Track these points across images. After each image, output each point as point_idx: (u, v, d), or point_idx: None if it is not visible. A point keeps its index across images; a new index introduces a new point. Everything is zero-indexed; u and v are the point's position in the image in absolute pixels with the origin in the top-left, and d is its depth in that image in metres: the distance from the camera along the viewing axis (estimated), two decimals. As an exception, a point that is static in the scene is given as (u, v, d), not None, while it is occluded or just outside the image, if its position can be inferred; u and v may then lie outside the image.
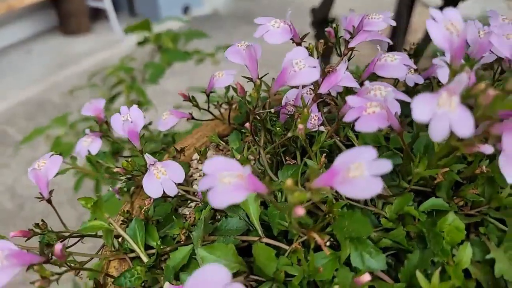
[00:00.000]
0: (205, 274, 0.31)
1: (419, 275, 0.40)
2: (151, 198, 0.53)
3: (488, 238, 0.46)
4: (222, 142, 0.67)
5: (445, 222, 0.44)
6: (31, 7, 3.40)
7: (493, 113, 0.33)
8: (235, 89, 0.50)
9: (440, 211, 0.47)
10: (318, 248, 0.45)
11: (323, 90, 0.49)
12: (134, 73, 1.69)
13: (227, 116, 0.73)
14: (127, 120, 0.52)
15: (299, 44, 0.51)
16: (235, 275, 0.47)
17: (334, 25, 0.57)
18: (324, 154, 0.49)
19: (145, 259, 0.52)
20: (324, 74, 0.50)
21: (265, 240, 0.49)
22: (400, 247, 0.46)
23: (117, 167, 0.52)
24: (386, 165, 0.34)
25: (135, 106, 0.53)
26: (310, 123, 0.51)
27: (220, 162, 0.37)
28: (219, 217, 0.57)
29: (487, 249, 0.45)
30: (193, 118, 0.69)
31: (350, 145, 0.54)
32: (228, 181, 0.35)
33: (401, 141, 0.43)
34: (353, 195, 0.33)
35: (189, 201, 0.62)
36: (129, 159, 0.52)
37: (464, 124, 0.31)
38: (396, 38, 1.45)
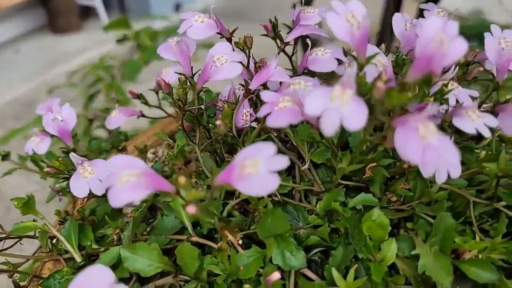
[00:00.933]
0: (89, 276, 0.31)
1: (334, 272, 0.39)
2: (85, 197, 0.52)
3: (416, 233, 0.45)
4: (170, 140, 0.66)
5: (370, 218, 0.43)
6: (19, 6, 3.39)
7: (392, 107, 0.32)
8: (160, 85, 0.49)
9: (371, 207, 0.46)
10: (259, 245, 0.45)
11: (254, 85, 0.48)
12: (114, 72, 1.68)
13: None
14: (56, 119, 0.51)
15: (229, 39, 0.50)
16: (161, 274, 0.46)
17: (273, 19, 0.56)
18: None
19: (79, 259, 0.51)
20: (256, 70, 0.50)
21: (195, 239, 0.48)
22: (327, 244, 0.45)
23: (48, 166, 0.51)
24: (283, 162, 0.33)
25: (67, 104, 0.52)
26: (242, 119, 0.50)
27: (122, 160, 0.36)
28: (159, 215, 0.56)
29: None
30: (143, 115, 0.69)
31: (288, 141, 0.53)
32: (126, 180, 0.34)
33: (319, 135, 0.42)
34: (250, 192, 0.32)
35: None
36: (60, 159, 0.51)
37: (354, 118, 0.30)
38: (384, 33, 1.43)
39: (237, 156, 0.34)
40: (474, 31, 2.24)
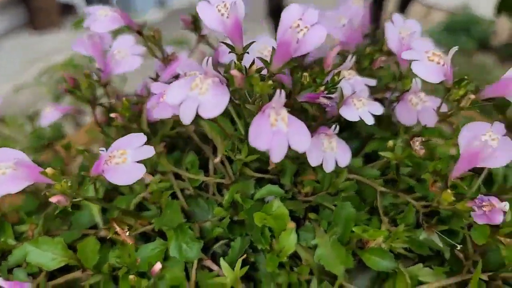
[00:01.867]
0: None
1: (222, 263, 0.39)
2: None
3: (319, 223, 0.45)
4: (102, 135, 0.66)
5: (270, 208, 0.43)
6: (0, 4, 3.36)
7: (259, 94, 0.32)
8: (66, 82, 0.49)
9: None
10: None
11: (164, 78, 0.48)
12: (84, 70, 1.66)
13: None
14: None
15: (139, 32, 0.50)
16: (67, 268, 0.46)
17: (193, 13, 0.56)
18: (164, 143, 0.48)
19: (-5, 255, 0.51)
20: (166, 62, 0.49)
21: (104, 233, 0.48)
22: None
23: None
24: (149, 151, 0.33)
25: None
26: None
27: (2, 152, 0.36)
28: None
29: (319, 234, 0.45)
30: (79, 112, 0.69)
31: (203, 133, 0.53)
32: (2, 172, 0.34)
33: (220, 127, 0.42)
34: (118, 181, 0.32)
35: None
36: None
37: (210, 107, 0.30)
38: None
39: (109, 148, 0.34)
40: (461, 25, 2.25)
